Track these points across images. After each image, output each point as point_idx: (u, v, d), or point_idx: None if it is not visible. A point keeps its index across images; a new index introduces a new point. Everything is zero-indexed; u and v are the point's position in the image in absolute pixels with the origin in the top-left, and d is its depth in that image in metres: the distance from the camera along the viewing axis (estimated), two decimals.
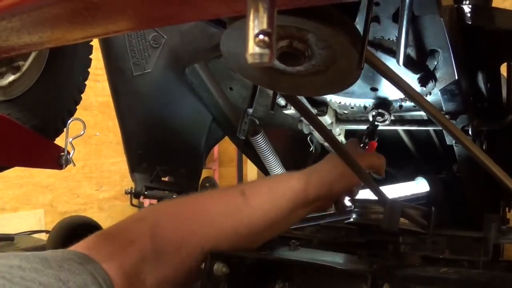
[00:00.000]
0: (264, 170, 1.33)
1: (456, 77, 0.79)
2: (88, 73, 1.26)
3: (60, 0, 0.41)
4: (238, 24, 0.58)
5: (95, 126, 3.26)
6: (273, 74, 0.66)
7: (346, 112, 1.07)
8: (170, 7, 0.42)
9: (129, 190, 1.31)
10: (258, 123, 1.23)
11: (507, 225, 0.92)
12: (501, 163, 0.73)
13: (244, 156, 3.15)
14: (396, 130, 1.14)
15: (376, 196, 0.80)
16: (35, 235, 1.66)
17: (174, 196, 1.31)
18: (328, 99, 1.03)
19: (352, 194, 0.89)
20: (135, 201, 1.41)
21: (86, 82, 1.26)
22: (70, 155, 1.19)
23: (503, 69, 0.90)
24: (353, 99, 1.00)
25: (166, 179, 1.37)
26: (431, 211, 0.82)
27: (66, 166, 1.18)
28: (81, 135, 1.19)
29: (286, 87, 0.70)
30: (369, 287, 0.62)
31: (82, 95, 1.27)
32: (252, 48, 0.32)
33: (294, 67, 0.64)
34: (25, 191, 3.04)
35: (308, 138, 1.30)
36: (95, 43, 1.25)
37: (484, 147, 0.99)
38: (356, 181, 0.84)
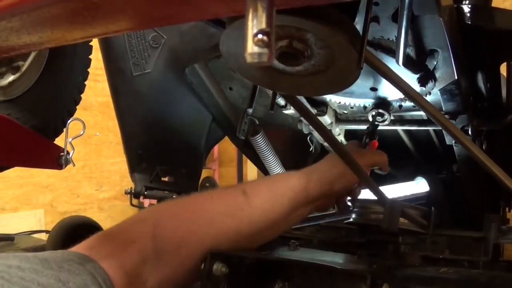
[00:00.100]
0: (264, 170, 1.33)
1: (456, 77, 0.79)
2: (88, 73, 1.26)
3: (60, 0, 0.41)
4: (237, 24, 0.58)
5: (95, 126, 3.26)
6: (273, 74, 0.66)
7: (345, 112, 1.07)
8: (170, 7, 0.42)
9: (129, 190, 1.31)
10: (258, 123, 1.23)
11: (507, 225, 0.92)
12: (501, 163, 0.73)
13: (244, 156, 3.15)
14: (396, 130, 1.14)
15: (376, 196, 0.80)
16: (35, 235, 1.66)
17: (174, 196, 1.31)
18: (327, 99, 1.03)
19: (354, 194, 0.89)
20: (135, 201, 1.41)
21: (86, 82, 1.27)
22: (70, 155, 1.19)
23: (503, 69, 0.90)
24: (353, 99, 1.00)
25: (166, 179, 1.37)
26: (431, 211, 0.82)
27: (66, 166, 1.18)
28: (81, 135, 1.20)
29: (285, 87, 0.70)
30: (368, 287, 0.62)
31: (82, 95, 1.27)
32: (251, 47, 0.32)
33: (293, 67, 0.64)
34: (25, 191, 3.04)
35: (308, 138, 1.30)
36: (95, 43, 1.25)
37: (484, 147, 0.99)
38: (357, 180, 0.85)
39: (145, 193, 1.31)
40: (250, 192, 0.79)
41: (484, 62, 0.88)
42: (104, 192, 3.46)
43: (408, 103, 0.97)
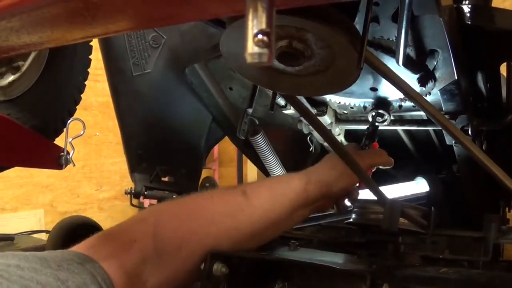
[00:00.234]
0: (264, 170, 1.33)
1: (456, 77, 0.79)
2: (88, 73, 1.27)
3: (60, 0, 0.41)
4: (237, 24, 0.58)
5: (95, 126, 3.26)
6: (273, 74, 0.66)
7: (345, 112, 1.07)
8: (170, 7, 0.42)
9: (129, 190, 1.31)
10: (258, 123, 1.23)
11: (507, 225, 0.92)
12: (501, 163, 0.73)
13: (244, 156, 3.15)
14: (396, 130, 1.14)
15: (376, 196, 0.80)
16: (35, 235, 1.66)
17: (174, 196, 1.31)
18: (327, 99, 1.03)
19: (352, 194, 0.89)
20: (135, 201, 1.41)
21: (86, 82, 1.27)
22: (70, 155, 1.19)
23: (503, 69, 0.90)
24: (353, 99, 1.00)
25: (166, 179, 1.37)
26: (431, 211, 0.82)
27: (66, 166, 1.18)
28: (81, 135, 1.19)
29: (286, 87, 0.70)
30: (368, 287, 0.62)
31: (82, 95, 1.27)
32: (251, 47, 0.32)
33: (293, 67, 0.64)
34: (25, 191, 3.04)
35: (308, 138, 1.30)
36: (95, 43, 1.25)
37: (484, 147, 0.99)
38: (356, 181, 0.85)
39: (145, 193, 1.31)
40: (250, 193, 0.79)
41: (484, 62, 0.88)
42: (104, 192, 3.46)
43: (408, 103, 0.97)
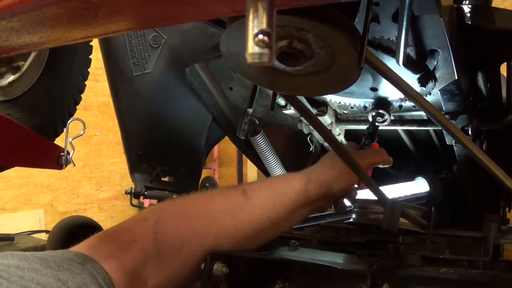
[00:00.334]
0: (264, 170, 1.33)
1: (456, 77, 0.78)
2: (88, 73, 1.27)
3: (60, 0, 0.41)
4: (237, 24, 0.58)
5: (95, 126, 3.27)
6: (273, 74, 0.66)
7: (346, 112, 1.07)
8: (170, 7, 0.42)
9: (129, 190, 1.31)
10: (258, 123, 1.23)
11: (507, 225, 0.92)
12: (501, 163, 0.73)
13: (244, 156, 3.15)
14: (396, 130, 1.14)
15: (376, 196, 0.80)
16: (35, 235, 1.66)
17: (174, 196, 1.31)
18: (327, 99, 1.03)
19: (351, 194, 0.89)
20: (135, 201, 1.41)
21: (86, 82, 1.27)
22: (70, 155, 1.19)
23: (503, 69, 0.90)
24: (353, 99, 1.00)
25: (166, 179, 1.37)
26: (431, 211, 0.82)
27: (66, 166, 1.18)
28: (81, 135, 1.19)
29: (286, 87, 0.70)
30: (368, 287, 0.61)
31: (82, 95, 1.27)
32: (252, 48, 0.32)
33: (294, 67, 0.64)
34: (25, 191, 3.04)
35: (308, 138, 1.30)
36: (95, 43, 1.25)
37: (484, 147, 0.99)
38: (356, 181, 0.85)
39: (145, 193, 1.31)
40: (250, 192, 0.79)
41: (484, 62, 0.88)
42: (104, 192, 3.46)
43: (408, 103, 0.97)
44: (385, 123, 0.99)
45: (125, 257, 0.66)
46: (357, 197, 0.90)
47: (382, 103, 0.97)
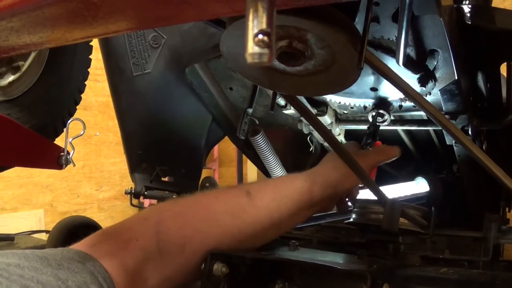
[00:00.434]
0: (264, 170, 1.33)
1: (456, 77, 0.78)
2: (88, 73, 1.27)
3: (60, 0, 0.41)
4: (237, 24, 0.58)
5: (95, 126, 3.27)
6: (273, 74, 0.66)
7: (346, 112, 1.07)
8: (170, 7, 0.42)
9: (129, 190, 1.31)
10: (258, 123, 1.23)
11: (507, 225, 0.92)
12: (501, 163, 0.73)
13: (244, 156, 3.15)
14: (396, 130, 1.14)
15: (376, 196, 0.80)
16: (35, 235, 1.66)
17: (174, 196, 1.31)
18: (327, 99, 1.03)
19: (352, 194, 0.89)
20: (135, 201, 1.41)
21: (86, 82, 1.27)
22: (70, 155, 1.19)
23: (503, 69, 0.90)
24: (353, 99, 1.00)
25: (166, 179, 1.37)
26: (431, 211, 0.82)
27: (66, 166, 1.18)
28: (81, 135, 1.20)
29: (286, 87, 0.70)
30: (368, 287, 0.61)
31: (82, 95, 1.27)
32: (252, 48, 0.32)
33: (293, 67, 0.64)
34: (25, 191, 3.04)
35: (308, 138, 1.30)
36: (95, 43, 1.25)
37: (484, 147, 0.99)
38: (359, 181, 0.85)
39: (145, 193, 1.31)
40: (254, 193, 0.79)
41: (484, 62, 0.88)
42: (104, 192, 3.46)
43: (408, 103, 0.97)
44: (385, 123, 0.99)
45: (126, 256, 0.66)
46: (357, 196, 0.91)
47: (382, 103, 0.97)
